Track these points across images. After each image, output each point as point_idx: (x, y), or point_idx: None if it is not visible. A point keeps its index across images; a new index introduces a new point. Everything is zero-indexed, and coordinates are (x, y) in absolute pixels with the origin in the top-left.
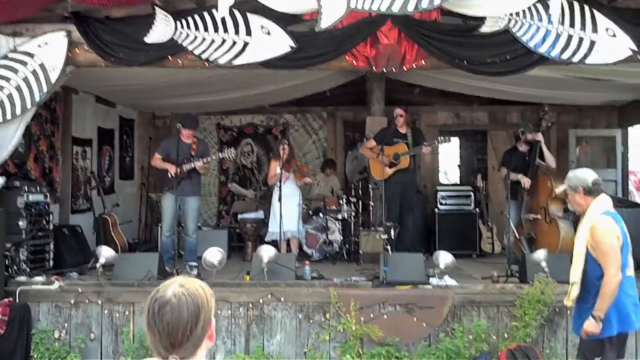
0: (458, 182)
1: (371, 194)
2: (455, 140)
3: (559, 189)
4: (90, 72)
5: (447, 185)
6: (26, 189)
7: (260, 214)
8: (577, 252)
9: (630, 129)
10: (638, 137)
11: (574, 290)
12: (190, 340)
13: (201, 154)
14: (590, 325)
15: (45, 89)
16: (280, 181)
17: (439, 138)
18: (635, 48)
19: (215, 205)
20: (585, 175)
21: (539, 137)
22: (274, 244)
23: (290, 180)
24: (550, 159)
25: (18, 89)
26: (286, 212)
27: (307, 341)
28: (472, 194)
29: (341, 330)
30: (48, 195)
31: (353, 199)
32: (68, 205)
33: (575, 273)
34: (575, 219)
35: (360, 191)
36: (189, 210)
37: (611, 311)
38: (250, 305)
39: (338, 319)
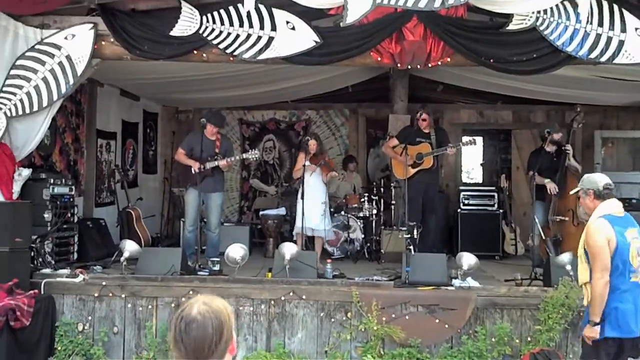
0: (481, 182)
1: (393, 193)
2: (478, 140)
3: (573, 191)
4: (115, 65)
5: (471, 185)
6: (52, 181)
7: (282, 211)
8: (579, 254)
9: None
10: None
11: (587, 292)
12: (215, 354)
13: (225, 151)
14: (587, 330)
15: (71, 81)
16: (303, 176)
17: (463, 140)
18: None
19: (237, 201)
20: (597, 179)
21: (569, 148)
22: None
23: (316, 175)
24: (573, 164)
25: (45, 80)
26: (310, 209)
27: (328, 340)
28: (495, 194)
29: (362, 330)
30: (73, 188)
31: (375, 197)
32: (92, 199)
33: (580, 275)
34: None
35: (382, 189)
36: (212, 206)
37: (609, 314)
38: (272, 302)
39: (359, 318)
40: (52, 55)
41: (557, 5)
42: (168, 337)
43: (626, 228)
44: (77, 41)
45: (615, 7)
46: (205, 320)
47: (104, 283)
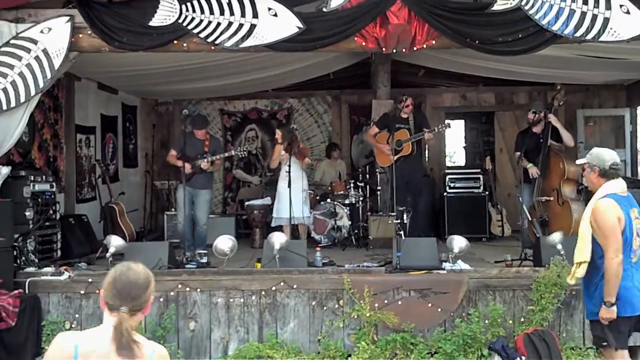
0: (463, 165)
1: (378, 179)
2: (460, 122)
3: (580, 161)
4: (92, 58)
5: (456, 168)
6: (32, 179)
7: (267, 200)
8: (582, 232)
9: (639, 108)
10: None
11: (580, 270)
12: (135, 301)
13: (213, 151)
14: (604, 312)
15: (49, 76)
16: (282, 166)
17: (440, 125)
18: None
19: (220, 193)
20: (605, 156)
21: (551, 117)
22: (279, 229)
23: (293, 164)
24: (567, 137)
25: (22, 75)
26: (291, 197)
27: (321, 328)
28: (480, 176)
29: (355, 317)
30: (54, 184)
31: (360, 184)
32: (73, 195)
33: (581, 253)
34: (587, 200)
35: (367, 176)
36: (201, 202)
37: (625, 295)
38: (263, 293)
39: (352, 305)
40: (28, 50)
41: None
42: (106, 280)
43: (630, 208)
44: (53, 34)
45: None
46: (140, 273)
47: (90, 280)
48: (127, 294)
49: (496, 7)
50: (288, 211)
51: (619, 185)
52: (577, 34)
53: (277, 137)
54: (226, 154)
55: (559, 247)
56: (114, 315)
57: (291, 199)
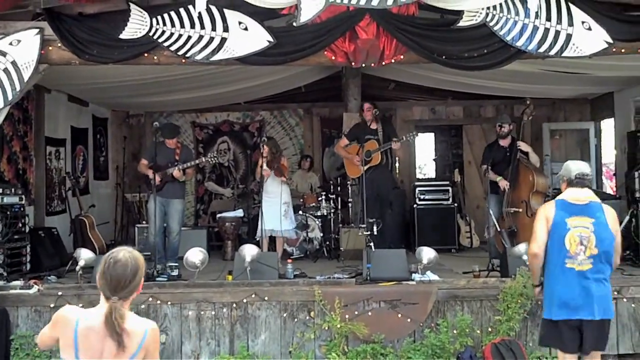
0: (434, 177)
1: (350, 191)
2: (430, 136)
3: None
4: (63, 70)
5: (425, 180)
6: (1, 191)
7: (239, 213)
8: None
9: (603, 122)
10: (610, 130)
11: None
12: (128, 288)
13: (184, 160)
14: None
15: (18, 88)
16: (262, 179)
17: (408, 134)
18: (610, 40)
19: (192, 205)
20: (572, 167)
21: (521, 144)
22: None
23: (273, 178)
24: (535, 160)
25: None
26: (270, 210)
27: (292, 340)
28: (449, 188)
29: (326, 329)
30: (23, 197)
31: (332, 196)
32: (43, 207)
33: None
34: None
35: (339, 188)
36: (173, 212)
37: (550, 297)
38: (234, 305)
39: (323, 317)
40: None
41: (506, 1)
42: (98, 269)
43: (573, 215)
44: (22, 47)
45: (562, 1)
46: (127, 262)
47: (60, 293)
48: (116, 285)
49: (462, 23)
50: (262, 224)
51: (573, 194)
52: (541, 50)
53: (263, 152)
54: (197, 162)
55: (525, 257)
56: (107, 303)
57: (262, 213)
